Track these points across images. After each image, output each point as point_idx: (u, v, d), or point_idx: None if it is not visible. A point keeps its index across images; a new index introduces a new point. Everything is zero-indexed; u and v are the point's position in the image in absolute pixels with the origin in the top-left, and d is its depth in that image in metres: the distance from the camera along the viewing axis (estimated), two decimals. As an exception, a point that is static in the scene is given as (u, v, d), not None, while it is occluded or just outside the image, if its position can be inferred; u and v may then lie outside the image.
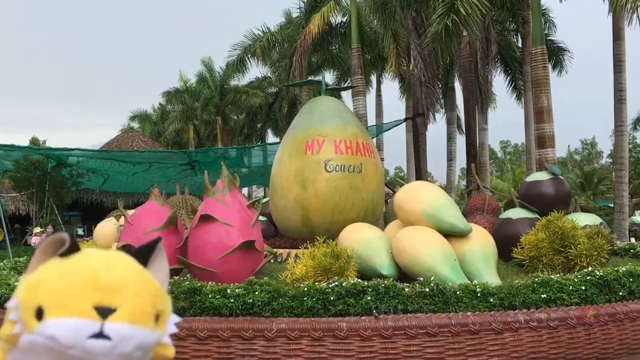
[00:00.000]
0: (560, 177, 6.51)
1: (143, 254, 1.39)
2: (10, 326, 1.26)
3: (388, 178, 40.26)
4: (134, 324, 1.22)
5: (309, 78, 18.84)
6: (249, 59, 22.18)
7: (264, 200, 7.80)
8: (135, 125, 40.58)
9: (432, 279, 4.24)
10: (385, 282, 4.12)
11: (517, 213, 6.05)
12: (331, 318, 3.90)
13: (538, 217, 5.81)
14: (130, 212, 5.75)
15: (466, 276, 4.67)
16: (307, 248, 5.09)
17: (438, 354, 3.76)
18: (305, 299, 3.99)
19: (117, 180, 21.73)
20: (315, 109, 7.22)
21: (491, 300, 4.07)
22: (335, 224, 6.17)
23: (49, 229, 13.64)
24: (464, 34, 14.77)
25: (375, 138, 20.54)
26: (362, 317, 3.88)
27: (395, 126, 20.51)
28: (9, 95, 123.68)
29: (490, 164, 35.11)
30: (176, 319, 1.37)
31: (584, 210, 6.62)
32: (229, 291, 4.10)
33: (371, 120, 21.49)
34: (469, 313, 3.97)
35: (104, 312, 1.20)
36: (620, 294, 4.31)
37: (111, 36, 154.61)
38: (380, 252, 5.02)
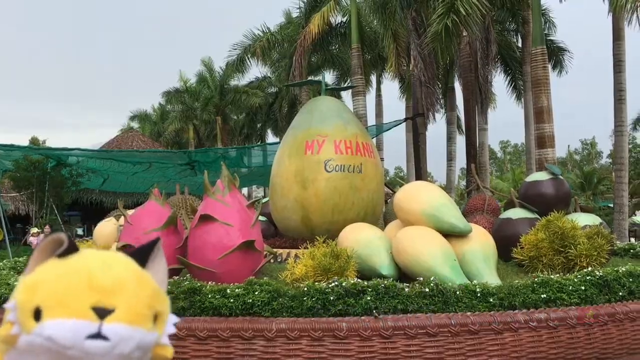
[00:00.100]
0: (560, 177, 6.51)
1: (142, 255, 1.39)
2: (8, 327, 1.26)
3: (388, 178, 40.26)
4: (131, 325, 1.22)
5: (309, 78, 18.85)
6: (248, 59, 22.17)
7: (264, 200, 7.80)
8: (135, 125, 40.59)
9: (432, 279, 4.24)
10: (385, 282, 4.12)
11: (517, 213, 6.05)
12: (331, 318, 3.90)
13: (538, 217, 5.81)
14: (130, 212, 5.75)
15: (466, 276, 4.67)
16: (307, 248, 5.09)
17: (438, 354, 3.76)
18: (305, 299, 3.99)
19: (117, 180, 21.74)
20: (315, 109, 7.22)
21: (491, 300, 4.07)
22: (335, 224, 6.17)
23: (47, 229, 13.62)
24: (464, 34, 14.77)
25: (375, 138, 20.55)
26: (362, 317, 3.89)
27: (395, 126, 20.51)
28: (9, 95, 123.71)
29: (490, 164, 35.13)
30: (175, 319, 1.37)
31: (584, 210, 6.62)
32: (228, 291, 4.10)
33: (371, 120, 21.50)
34: (468, 313, 3.97)
35: (102, 313, 1.20)
36: (620, 294, 4.31)
37: (111, 36, 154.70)
38: (380, 252, 5.02)
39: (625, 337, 4.12)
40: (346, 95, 27.61)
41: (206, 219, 4.89)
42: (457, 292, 4.09)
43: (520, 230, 5.52)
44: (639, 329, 4.18)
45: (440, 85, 19.54)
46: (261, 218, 6.29)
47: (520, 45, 19.45)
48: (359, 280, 4.21)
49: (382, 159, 14.99)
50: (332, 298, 3.96)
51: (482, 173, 18.07)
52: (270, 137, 34.26)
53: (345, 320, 3.85)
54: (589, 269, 4.56)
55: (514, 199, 6.44)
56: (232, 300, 4.02)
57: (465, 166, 20.42)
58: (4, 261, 6.51)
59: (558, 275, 4.50)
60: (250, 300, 4.00)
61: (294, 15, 22.07)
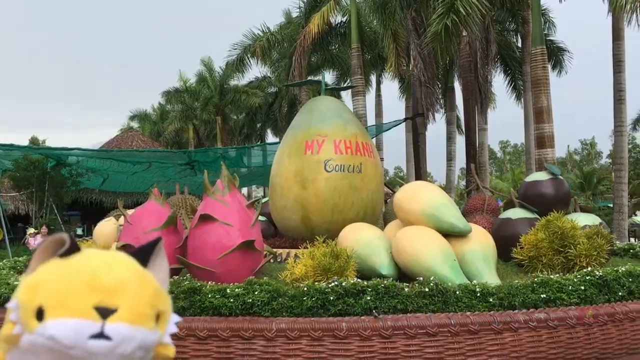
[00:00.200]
0: (560, 177, 6.51)
1: (143, 254, 1.39)
2: (11, 326, 1.26)
3: (388, 178, 40.27)
4: (134, 325, 1.22)
5: (309, 78, 18.84)
6: (248, 58, 22.16)
7: (264, 200, 7.80)
8: (135, 125, 40.57)
9: (431, 278, 4.24)
10: (385, 282, 4.12)
11: (516, 213, 6.05)
12: (331, 318, 3.90)
13: (537, 217, 5.81)
14: (130, 211, 5.75)
15: (466, 276, 4.67)
16: (307, 248, 5.09)
17: (437, 354, 3.76)
18: (304, 298, 3.99)
19: (117, 180, 21.72)
20: (315, 108, 7.22)
21: (491, 300, 4.08)
22: (335, 223, 6.17)
23: (43, 229, 13.59)
24: (464, 34, 14.76)
25: (374, 138, 20.54)
26: (362, 317, 3.89)
27: (395, 126, 20.50)
28: (9, 95, 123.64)
29: (490, 164, 35.13)
30: (176, 318, 1.37)
31: (584, 210, 6.62)
32: (228, 291, 4.10)
33: (371, 120, 21.49)
34: (468, 313, 3.97)
35: (104, 313, 1.20)
36: (620, 294, 4.32)
37: (111, 36, 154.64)
38: (379, 252, 5.02)
39: (625, 337, 4.12)
40: (346, 95, 27.64)
41: (206, 218, 4.89)
42: (457, 292, 4.09)
43: (520, 230, 5.53)
44: (639, 329, 4.18)
45: (440, 85, 19.53)
46: (261, 218, 6.29)
47: (520, 45, 19.45)
48: (358, 280, 4.21)
49: (381, 159, 14.99)
50: (331, 298, 3.96)
51: (482, 173, 18.07)
52: (270, 137, 34.29)
53: (345, 320, 3.85)
54: (589, 269, 4.57)
55: (513, 199, 6.44)
56: (232, 300, 4.02)
57: (465, 166, 20.43)
58: (4, 261, 6.51)
59: (558, 275, 4.50)
60: (250, 300, 4.00)
61: (294, 15, 22.07)
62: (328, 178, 6.53)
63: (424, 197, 5.31)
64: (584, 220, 5.65)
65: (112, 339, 1.19)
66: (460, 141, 21.03)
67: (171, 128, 34.87)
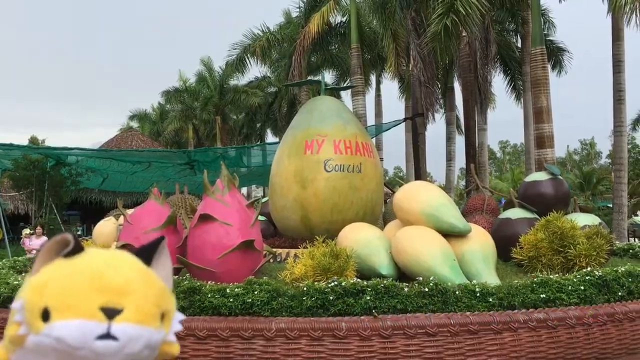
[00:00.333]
0: (559, 177, 6.51)
1: (147, 253, 1.40)
2: (16, 327, 1.27)
3: (387, 178, 40.26)
4: (140, 324, 1.23)
5: (309, 78, 18.83)
6: (248, 58, 22.14)
7: (263, 200, 7.80)
8: (135, 124, 40.56)
9: (431, 278, 4.24)
10: (385, 281, 4.13)
11: (516, 213, 6.05)
12: (330, 318, 3.90)
13: (537, 217, 5.81)
14: (130, 211, 5.75)
15: (465, 276, 4.67)
16: (307, 248, 5.09)
17: (437, 354, 3.77)
18: (304, 298, 3.99)
19: (116, 180, 21.72)
20: (314, 108, 7.22)
21: (490, 300, 4.08)
22: (335, 223, 6.17)
23: (38, 230, 13.58)
24: (464, 34, 14.77)
25: (374, 138, 20.54)
26: (362, 317, 3.89)
27: (395, 126, 20.51)
28: (8, 95, 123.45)
29: (490, 164, 35.12)
30: (180, 316, 1.38)
31: (583, 210, 6.63)
32: (228, 291, 4.10)
33: (370, 120, 21.48)
34: (468, 313, 3.97)
35: (111, 313, 1.21)
36: (619, 294, 4.32)
37: (111, 36, 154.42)
38: (379, 251, 5.03)
39: (625, 337, 4.13)
40: (346, 95, 27.62)
41: (206, 218, 4.89)
42: (457, 292, 4.09)
43: (520, 230, 5.53)
44: (638, 329, 4.18)
45: (439, 85, 19.53)
46: (260, 218, 6.29)
47: (519, 45, 19.44)
48: (358, 280, 4.22)
49: (381, 159, 14.98)
50: (331, 298, 3.96)
51: (482, 173, 18.07)
52: (270, 137, 34.28)
53: (344, 320, 3.85)
54: (588, 269, 4.57)
55: (513, 199, 6.44)
56: (231, 300, 4.02)
57: (464, 166, 20.44)
58: (4, 260, 6.52)
59: (557, 275, 4.51)
60: (250, 300, 4.00)
61: (294, 15, 22.07)
62: (328, 178, 6.53)
63: (423, 197, 5.32)
64: (584, 220, 5.65)
65: (118, 339, 1.19)
66: (459, 141, 21.02)
67: (171, 128, 34.86)
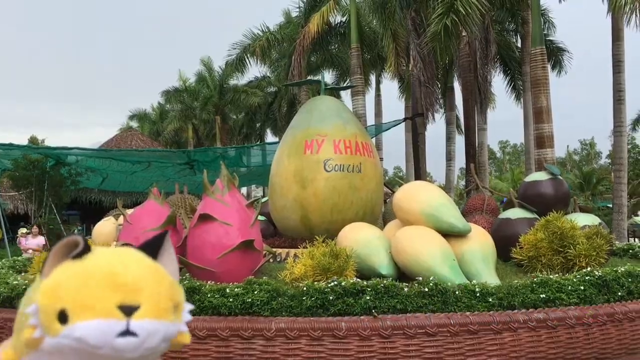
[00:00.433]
0: (559, 177, 6.51)
1: (152, 248, 1.43)
2: (30, 331, 1.28)
3: (387, 178, 40.26)
4: (157, 319, 1.27)
5: (308, 77, 18.82)
6: (248, 58, 22.14)
7: (263, 200, 7.80)
8: (134, 124, 40.58)
9: (431, 278, 4.24)
10: (384, 281, 4.12)
11: (516, 213, 6.05)
12: (330, 318, 3.90)
13: (537, 217, 5.81)
14: (129, 211, 5.75)
15: (465, 276, 4.67)
16: (306, 247, 5.09)
17: (437, 354, 3.76)
18: (304, 298, 3.99)
19: (116, 180, 21.72)
20: (314, 108, 7.22)
21: (490, 300, 4.07)
22: (334, 223, 6.17)
23: (34, 229, 13.57)
24: (463, 34, 14.77)
25: (374, 138, 20.54)
26: (361, 317, 3.89)
27: (395, 126, 20.51)
28: (8, 95, 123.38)
29: (489, 164, 35.11)
30: (190, 306, 1.42)
31: (583, 210, 6.63)
32: (228, 290, 4.10)
33: (370, 120, 21.47)
34: (468, 313, 3.97)
35: (128, 311, 1.24)
36: (619, 294, 4.32)
37: (111, 36, 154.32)
38: (379, 251, 5.02)
39: (624, 337, 4.13)
40: (345, 95, 27.62)
41: (205, 218, 4.89)
42: (457, 292, 4.09)
43: (520, 230, 5.52)
44: (638, 329, 4.18)
45: (439, 85, 19.53)
46: (260, 217, 6.28)
47: (519, 45, 19.45)
48: (358, 279, 4.21)
49: (381, 159, 14.98)
50: (331, 298, 3.96)
51: (481, 173, 18.07)
52: (270, 137, 34.28)
53: (344, 319, 3.85)
54: (588, 269, 4.57)
55: (513, 199, 6.44)
56: (231, 300, 4.02)
57: (464, 166, 20.43)
58: (3, 260, 6.52)
59: (557, 275, 4.50)
60: (250, 300, 4.00)
61: (294, 14, 22.07)
62: (327, 178, 6.53)
63: (423, 197, 5.31)
64: (584, 220, 5.65)
65: (138, 335, 1.23)
66: (459, 141, 21.02)
67: (170, 127, 34.87)
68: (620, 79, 16.14)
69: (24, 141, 40.32)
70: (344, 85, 22.12)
